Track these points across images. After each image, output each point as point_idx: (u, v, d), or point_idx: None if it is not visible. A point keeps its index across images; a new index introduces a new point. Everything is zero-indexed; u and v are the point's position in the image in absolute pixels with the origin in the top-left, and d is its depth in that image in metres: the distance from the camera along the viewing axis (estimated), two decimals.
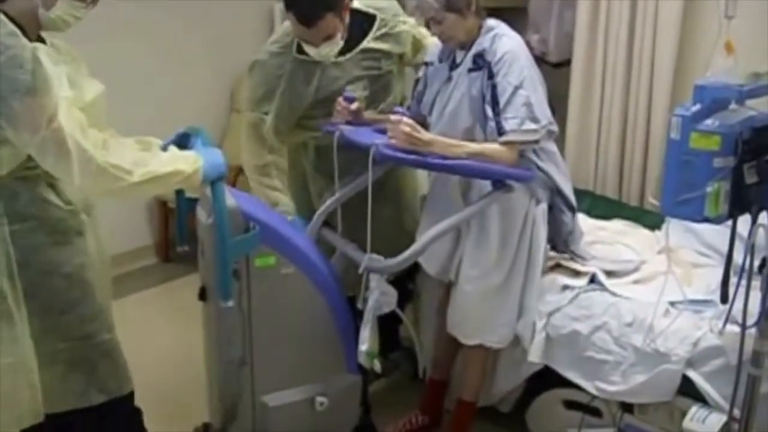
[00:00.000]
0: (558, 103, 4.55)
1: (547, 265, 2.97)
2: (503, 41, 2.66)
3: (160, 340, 3.97)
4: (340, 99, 2.89)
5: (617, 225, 3.44)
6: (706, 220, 2.13)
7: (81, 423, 2.36)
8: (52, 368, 2.22)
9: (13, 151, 2.02)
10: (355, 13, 2.99)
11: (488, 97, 2.62)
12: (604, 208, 3.62)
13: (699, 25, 3.45)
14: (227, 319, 2.58)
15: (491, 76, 2.62)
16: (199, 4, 4.87)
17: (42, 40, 2.17)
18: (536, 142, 2.66)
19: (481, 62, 2.66)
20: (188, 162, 2.24)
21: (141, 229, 5.05)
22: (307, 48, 2.92)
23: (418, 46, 3.20)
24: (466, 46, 2.73)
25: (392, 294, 2.66)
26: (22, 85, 1.93)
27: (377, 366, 2.70)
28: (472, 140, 2.67)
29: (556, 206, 2.86)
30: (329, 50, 2.91)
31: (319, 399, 2.74)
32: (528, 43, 4.81)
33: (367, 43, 3.05)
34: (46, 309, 2.20)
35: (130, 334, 4.01)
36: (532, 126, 2.60)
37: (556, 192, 2.83)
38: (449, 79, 2.79)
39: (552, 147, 2.84)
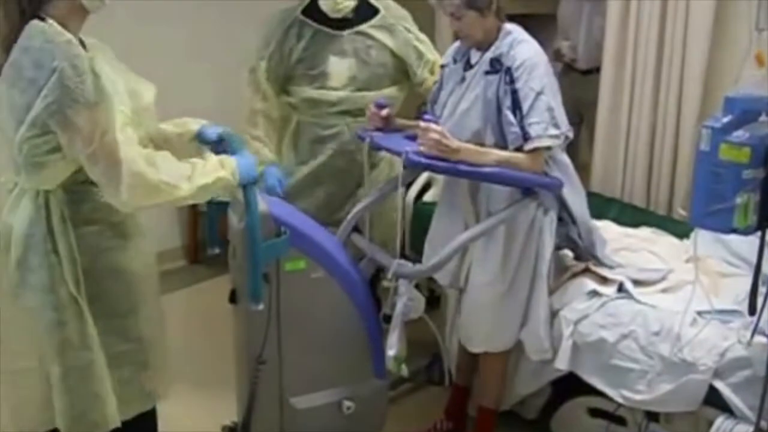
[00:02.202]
0: (586, 110, 4.57)
1: (573, 271, 2.97)
2: (523, 47, 2.66)
3: (188, 342, 4.00)
4: (372, 105, 2.95)
5: (645, 233, 3.44)
6: (735, 231, 2.13)
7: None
8: (119, 371, 2.25)
9: (69, 158, 2.07)
10: (363, 2, 3.26)
11: (508, 103, 2.62)
12: (631, 216, 3.62)
13: (729, 37, 3.42)
14: (257, 322, 2.60)
15: (511, 81, 2.62)
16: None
17: (81, 43, 2.17)
18: (551, 148, 2.67)
19: (498, 66, 2.67)
20: (225, 167, 2.28)
21: (170, 231, 5.07)
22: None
23: (425, 61, 3.34)
24: (482, 47, 2.74)
25: (420, 299, 2.69)
26: (81, 96, 1.98)
27: (404, 371, 2.72)
28: (481, 142, 2.68)
29: (564, 218, 2.86)
30: (347, 4, 3.20)
31: (347, 403, 2.77)
32: (558, 50, 4.86)
33: (365, 27, 3.27)
34: (110, 312, 2.23)
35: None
36: (555, 131, 2.62)
37: (561, 204, 2.82)
38: (463, 79, 2.80)
39: (564, 158, 2.84)
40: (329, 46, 3.25)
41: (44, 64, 1.98)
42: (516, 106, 2.61)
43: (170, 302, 4.52)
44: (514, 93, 2.62)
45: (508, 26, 2.73)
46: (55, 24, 2.03)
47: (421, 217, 3.41)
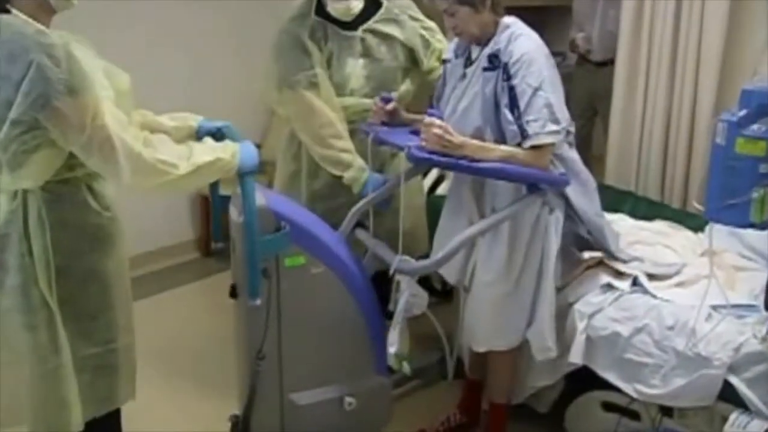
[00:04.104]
0: (601, 102, 4.55)
1: (588, 263, 2.96)
2: (520, 41, 2.59)
3: (200, 334, 4.01)
4: (377, 99, 2.93)
5: (659, 226, 3.42)
6: (751, 225, 2.12)
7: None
8: (81, 375, 2.24)
9: (53, 153, 2.05)
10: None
11: (506, 100, 2.57)
12: (646, 209, 3.60)
13: (746, 28, 3.39)
14: (256, 317, 2.58)
15: (508, 77, 2.56)
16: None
17: None
18: (554, 144, 2.61)
19: (496, 62, 2.60)
20: (226, 150, 2.27)
21: (183, 224, 5.10)
22: (333, 3, 3.12)
23: (432, 50, 3.30)
24: (481, 43, 2.69)
25: (423, 296, 2.64)
26: (63, 84, 1.95)
27: (406, 368, 2.69)
28: (482, 140, 2.63)
29: (572, 216, 2.79)
30: (355, 5, 3.15)
31: (348, 399, 2.76)
32: (573, 41, 4.85)
33: (371, 23, 3.21)
34: (80, 315, 2.22)
35: (170, 327, 4.11)
36: (554, 128, 2.55)
37: (567, 202, 2.75)
38: (464, 76, 2.75)
39: (571, 155, 2.76)
40: (345, 47, 3.18)
41: (17, 58, 1.94)
42: (513, 104, 2.55)
43: (182, 295, 4.60)
44: (512, 89, 2.56)
45: (507, 20, 2.67)
46: (22, 15, 1.99)
47: (434, 211, 3.40)
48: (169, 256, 4.91)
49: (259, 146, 5.35)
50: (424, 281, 4.12)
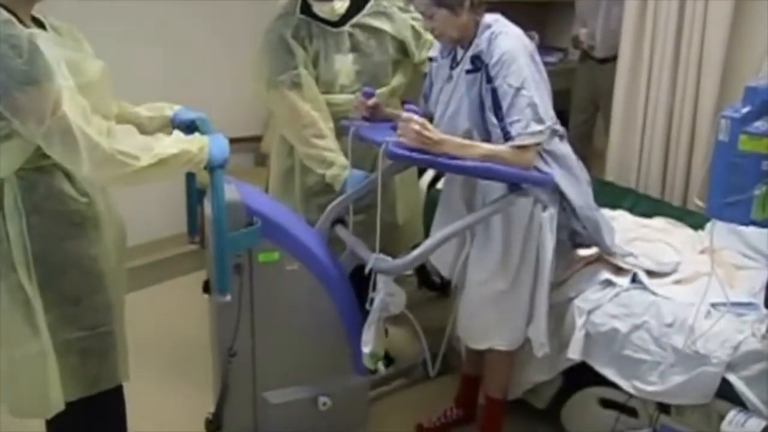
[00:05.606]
0: (603, 99, 4.55)
1: (588, 259, 2.95)
2: (500, 41, 2.54)
3: (195, 326, 4.00)
4: (358, 94, 2.91)
5: (659, 223, 3.42)
6: (753, 223, 2.11)
7: (81, 410, 2.32)
8: (67, 358, 2.22)
9: (23, 142, 2.03)
10: None
11: (489, 103, 2.54)
12: (646, 206, 3.60)
13: (750, 25, 3.38)
14: (227, 314, 2.56)
15: (489, 79, 2.53)
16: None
17: (40, 23, 2.13)
18: (540, 144, 2.57)
19: (479, 63, 2.57)
20: (193, 143, 2.24)
21: (180, 215, 5.06)
22: (318, 4, 3.10)
23: (423, 42, 3.27)
24: (463, 45, 2.65)
25: (400, 294, 2.60)
26: (23, 75, 1.93)
27: (381, 368, 2.67)
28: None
29: (566, 209, 2.77)
30: (340, 5, 3.12)
31: (322, 399, 2.73)
32: (576, 37, 4.86)
33: (360, 18, 3.18)
34: (61, 300, 2.20)
35: (167, 319, 4.10)
36: (538, 127, 2.50)
37: (561, 196, 2.72)
38: (450, 77, 2.72)
39: (562, 149, 2.72)
40: (332, 44, 3.15)
41: None
42: (497, 106, 2.52)
43: (180, 286, 4.60)
44: (494, 91, 2.52)
45: (488, 19, 2.62)
46: None
47: (434, 205, 3.40)
48: (166, 247, 4.89)
49: (260, 138, 5.40)
50: (423, 275, 4.15)
